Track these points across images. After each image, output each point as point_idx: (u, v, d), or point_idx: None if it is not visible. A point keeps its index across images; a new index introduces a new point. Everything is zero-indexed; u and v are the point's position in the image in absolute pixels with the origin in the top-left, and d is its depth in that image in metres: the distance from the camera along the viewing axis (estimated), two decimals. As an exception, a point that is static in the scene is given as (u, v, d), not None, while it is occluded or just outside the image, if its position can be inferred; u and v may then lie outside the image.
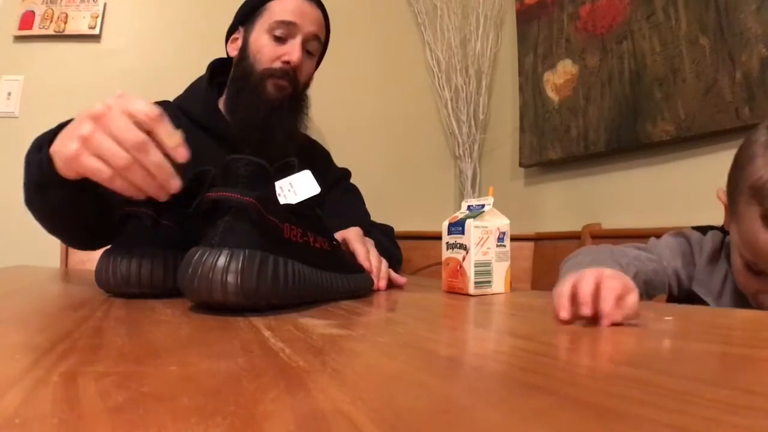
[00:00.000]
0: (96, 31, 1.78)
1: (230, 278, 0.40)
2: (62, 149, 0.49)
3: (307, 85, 0.97)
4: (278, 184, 0.49)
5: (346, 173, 1.08)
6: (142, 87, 0.94)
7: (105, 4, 1.80)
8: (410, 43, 2.12)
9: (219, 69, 0.97)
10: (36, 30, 1.74)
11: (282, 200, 0.48)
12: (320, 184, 0.52)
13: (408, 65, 2.12)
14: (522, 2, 1.85)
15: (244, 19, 0.92)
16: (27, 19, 1.74)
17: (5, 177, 1.67)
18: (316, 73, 1.99)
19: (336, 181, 1.03)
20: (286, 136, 0.89)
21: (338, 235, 0.72)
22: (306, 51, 0.91)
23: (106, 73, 1.77)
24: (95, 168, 0.46)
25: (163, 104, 0.93)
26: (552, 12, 1.71)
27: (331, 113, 2.00)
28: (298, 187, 0.49)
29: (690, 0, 1.27)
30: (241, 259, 0.40)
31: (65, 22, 1.76)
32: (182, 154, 0.46)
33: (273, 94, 0.88)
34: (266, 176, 0.45)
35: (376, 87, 2.08)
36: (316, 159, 1.04)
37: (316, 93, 1.99)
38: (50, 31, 1.75)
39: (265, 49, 0.88)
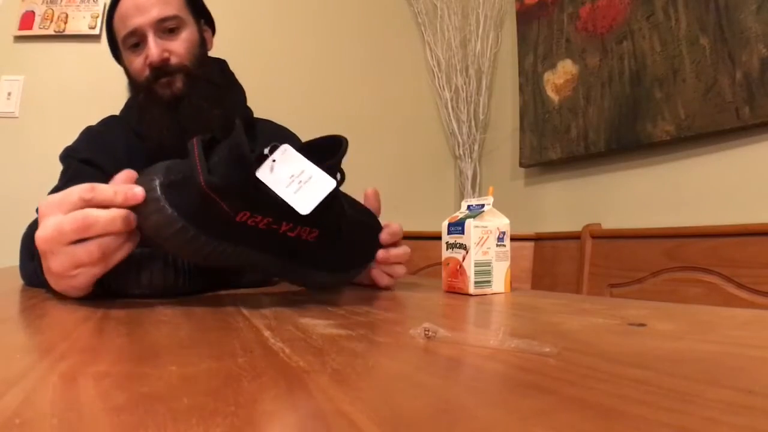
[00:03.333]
0: (96, 31, 1.78)
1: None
2: (58, 288, 0.48)
3: (202, 55, 0.88)
4: (298, 167, 0.46)
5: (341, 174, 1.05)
6: (142, 87, 0.94)
7: (105, 4, 1.80)
8: (410, 43, 2.12)
9: None
10: (36, 30, 1.74)
11: (285, 191, 0.45)
12: None
13: (408, 65, 2.12)
14: (522, 2, 1.85)
15: (114, 47, 0.89)
16: (27, 19, 1.74)
17: (5, 177, 1.67)
18: (316, 72, 2.01)
19: None
20: (200, 124, 0.82)
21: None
22: (167, 31, 0.83)
23: (106, 73, 1.76)
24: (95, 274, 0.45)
25: (112, 119, 0.92)
26: (552, 12, 1.71)
27: (331, 113, 2.00)
28: (303, 186, 0.46)
29: (690, 0, 1.27)
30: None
31: (65, 22, 1.76)
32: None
33: (165, 93, 0.83)
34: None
35: (377, 87, 2.08)
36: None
37: (316, 92, 2.00)
38: (50, 31, 1.75)
39: (132, 64, 0.84)
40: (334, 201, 0.50)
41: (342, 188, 0.58)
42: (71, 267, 0.44)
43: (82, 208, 0.43)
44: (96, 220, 0.42)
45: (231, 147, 0.44)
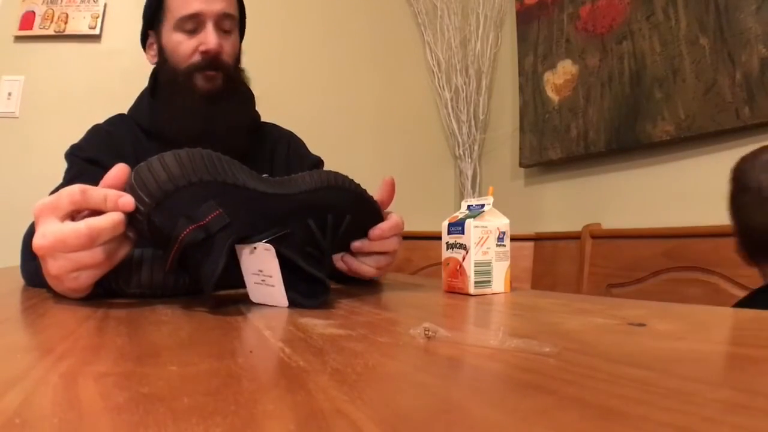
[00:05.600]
0: (96, 32, 1.78)
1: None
2: (58, 289, 0.48)
3: (237, 61, 0.91)
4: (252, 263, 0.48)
5: (320, 161, 1.06)
6: (142, 87, 0.93)
7: (105, 4, 1.80)
8: (410, 43, 2.12)
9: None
10: (36, 30, 1.74)
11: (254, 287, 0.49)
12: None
13: (408, 65, 2.12)
14: (522, 2, 1.85)
15: (150, 22, 0.88)
16: (27, 20, 1.74)
17: (5, 177, 1.67)
18: (317, 72, 2.01)
19: (311, 168, 1.01)
20: (228, 127, 0.85)
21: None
22: (222, 31, 0.85)
23: (106, 73, 1.77)
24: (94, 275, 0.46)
25: (119, 118, 0.92)
26: (552, 12, 1.71)
27: (331, 113, 2.00)
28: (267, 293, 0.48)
29: (690, 0, 1.27)
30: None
31: (65, 23, 1.76)
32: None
33: (205, 86, 0.83)
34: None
35: (377, 87, 2.08)
36: (293, 150, 1.01)
37: (316, 93, 2.00)
38: (50, 32, 1.75)
39: (181, 46, 0.83)
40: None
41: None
42: (72, 270, 0.44)
43: (73, 212, 0.44)
44: (100, 233, 0.42)
45: (203, 275, 0.46)
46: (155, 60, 0.88)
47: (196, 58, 0.82)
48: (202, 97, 0.83)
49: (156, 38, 0.87)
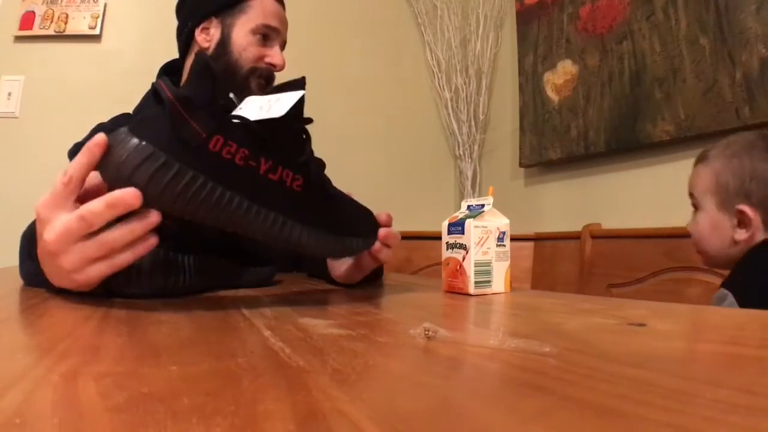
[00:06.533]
0: (96, 31, 1.78)
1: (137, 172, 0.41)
2: (67, 285, 0.47)
3: None
4: (265, 98, 0.47)
5: (321, 164, 1.07)
6: (142, 87, 0.94)
7: (105, 4, 1.80)
8: (410, 43, 2.12)
9: (170, 72, 0.95)
10: (36, 30, 1.74)
11: (252, 115, 0.45)
12: None
13: (408, 65, 2.12)
14: (522, 2, 1.85)
15: (219, 10, 0.91)
16: (27, 20, 1.74)
17: (5, 177, 1.67)
18: (316, 72, 2.01)
19: None
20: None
21: None
22: None
23: (106, 73, 1.77)
24: (104, 271, 0.45)
25: (124, 117, 0.93)
26: (552, 12, 1.71)
27: (331, 113, 2.00)
28: (273, 105, 0.46)
29: (690, 0, 1.27)
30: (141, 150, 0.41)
31: (65, 23, 1.76)
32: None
33: (256, 91, 0.90)
34: (211, 77, 0.44)
35: (377, 87, 2.08)
36: None
37: (317, 93, 1.99)
38: (50, 32, 1.75)
39: (251, 48, 0.90)
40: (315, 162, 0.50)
41: (344, 188, 0.58)
42: (82, 264, 0.44)
43: (67, 194, 0.44)
44: (93, 214, 0.41)
45: (196, 62, 0.45)
46: (209, 44, 0.92)
47: (261, 65, 0.91)
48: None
49: (221, 26, 0.91)
